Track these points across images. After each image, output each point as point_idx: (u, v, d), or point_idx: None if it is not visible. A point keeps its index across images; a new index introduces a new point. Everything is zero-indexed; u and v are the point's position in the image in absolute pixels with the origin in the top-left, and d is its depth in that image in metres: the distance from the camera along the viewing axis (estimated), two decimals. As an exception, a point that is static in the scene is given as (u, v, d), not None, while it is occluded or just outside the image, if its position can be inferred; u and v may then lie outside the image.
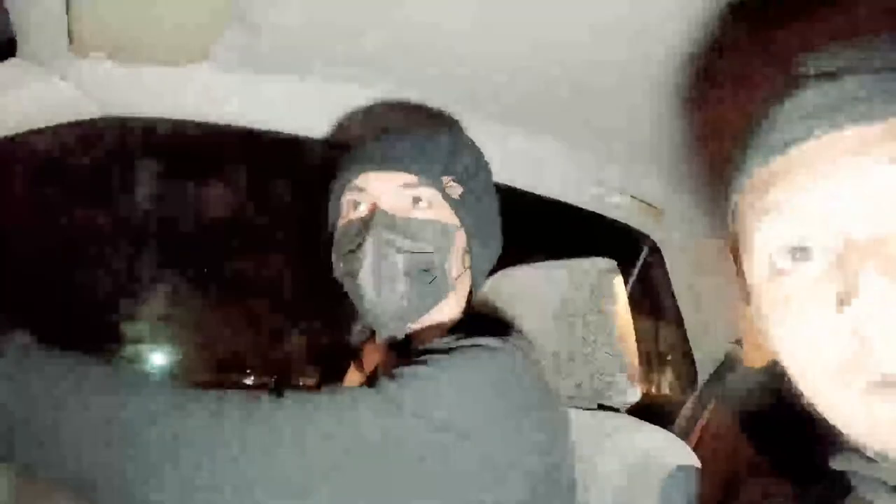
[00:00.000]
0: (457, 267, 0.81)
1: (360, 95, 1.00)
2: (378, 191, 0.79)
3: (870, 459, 0.42)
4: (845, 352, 0.38)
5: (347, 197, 0.82)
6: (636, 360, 0.91)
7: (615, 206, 1.33)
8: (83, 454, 0.58)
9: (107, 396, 0.60)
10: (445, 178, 0.79)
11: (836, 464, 0.45)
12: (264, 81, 0.96)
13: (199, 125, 1.01)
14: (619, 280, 0.95)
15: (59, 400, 0.59)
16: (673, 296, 1.47)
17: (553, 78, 0.96)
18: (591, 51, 0.87)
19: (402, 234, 0.77)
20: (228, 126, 1.02)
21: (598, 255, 1.00)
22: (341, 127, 1.01)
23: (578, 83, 0.96)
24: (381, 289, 0.77)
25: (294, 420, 0.61)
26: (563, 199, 1.31)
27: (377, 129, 0.93)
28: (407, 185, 0.79)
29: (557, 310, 0.94)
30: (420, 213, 0.79)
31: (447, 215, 0.80)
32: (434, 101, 1.03)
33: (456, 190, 0.80)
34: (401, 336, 0.81)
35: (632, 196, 1.33)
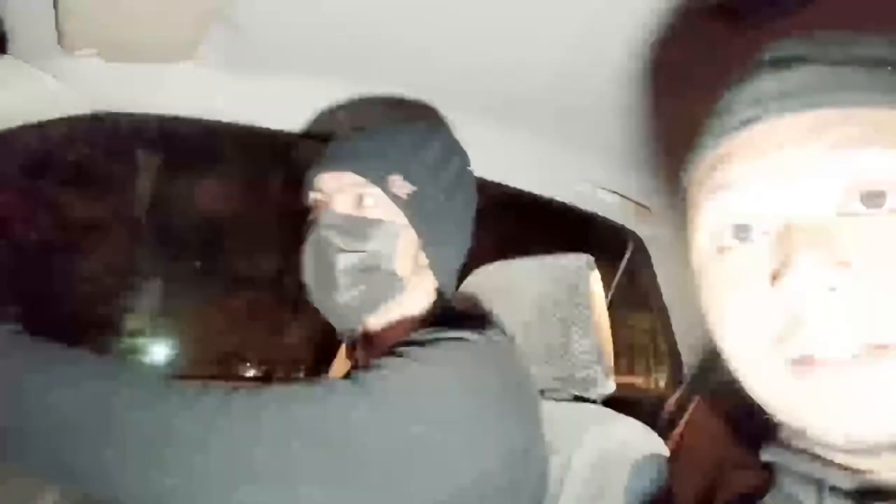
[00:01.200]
0: (406, 265, 0.81)
1: (346, 92, 1.01)
2: (331, 190, 0.81)
3: (798, 452, 0.44)
4: (775, 329, 0.40)
5: (311, 196, 0.84)
6: (611, 354, 0.93)
7: (601, 202, 1.35)
8: (67, 445, 0.59)
9: (92, 387, 0.61)
10: (392, 177, 0.80)
11: (766, 455, 0.46)
12: (250, 78, 0.97)
13: (193, 120, 1.02)
14: (595, 276, 0.97)
15: (45, 390, 0.59)
16: (659, 291, 1.48)
17: (538, 75, 0.97)
18: (572, 49, 0.89)
19: (342, 233, 0.79)
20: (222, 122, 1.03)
21: (584, 251, 1.02)
22: (326, 122, 1.02)
23: (564, 81, 0.98)
24: (321, 288, 0.79)
25: (269, 412, 0.62)
26: (549, 195, 1.32)
27: (362, 124, 0.95)
28: (353, 185, 0.80)
29: (536, 305, 0.96)
30: (365, 212, 0.80)
31: (393, 214, 0.80)
32: (419, 99, 1.05)
33: (404, 188, 0.80)
34: (356, 331, 0.84)
35: (618, 193, 1.35)
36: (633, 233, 1.46)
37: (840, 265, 0.37)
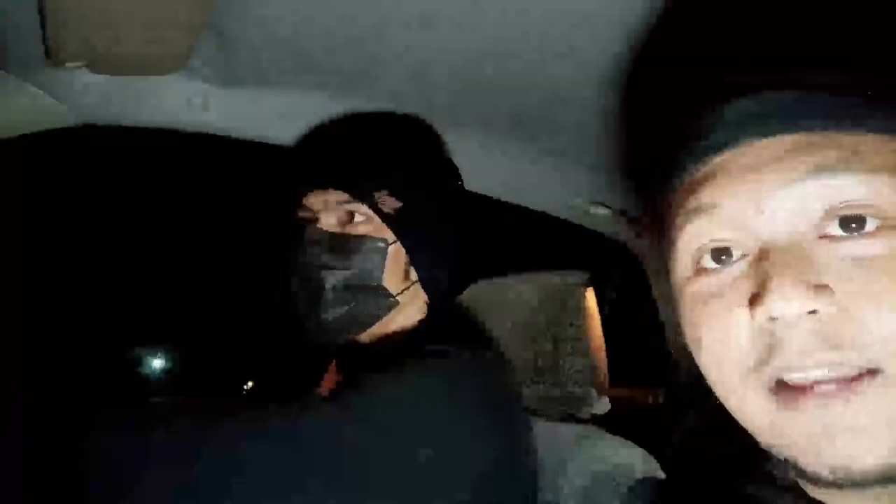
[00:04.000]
0: (395, 281, 0.81)
1: (338, 106, 1.01)
2: (317, 208, 0.81)
3: (780, 489, 0.43)
4: (756, 353, 0.39)
5: (299, 214, 0.84)
6: (605, 372, 0.92)
7: (595, 217, 1.34)
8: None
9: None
10: (378, 193, 0.79)
11: (750, 489, 0.46)
12: (241, 91, 0.97)
13: (183, 133, 1.01)
14: (589, 293, 0.96)
15: None
16: (654, 305, 1.47)
17: (531, 89, 0.97)
18: (564, 63, 0.88)
19: (329, 251, 0.78)
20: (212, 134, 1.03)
21: (579, 266, 1.01)
22: (318, 136, 1.02)
23: (556, 95, 0.97)
24: (308, 305, 0.78)
25: (246, 433, 0.63)
26: (543, 210, 1.32)
27: (353, 139, 0.94)
28: (340, 202, 0.80)
29: (528, 322, 0.95)
30: (354, 229, 0.79)
31: (381, 230, 0.80)
32: (411, 113, 1.04)
33: (391, 204, 0.80)
34: (344, 347, 0.83)
35: (611, 207, 1.34)
36: (628, 247, 1.45)
37: (818, 288, 0.37)
